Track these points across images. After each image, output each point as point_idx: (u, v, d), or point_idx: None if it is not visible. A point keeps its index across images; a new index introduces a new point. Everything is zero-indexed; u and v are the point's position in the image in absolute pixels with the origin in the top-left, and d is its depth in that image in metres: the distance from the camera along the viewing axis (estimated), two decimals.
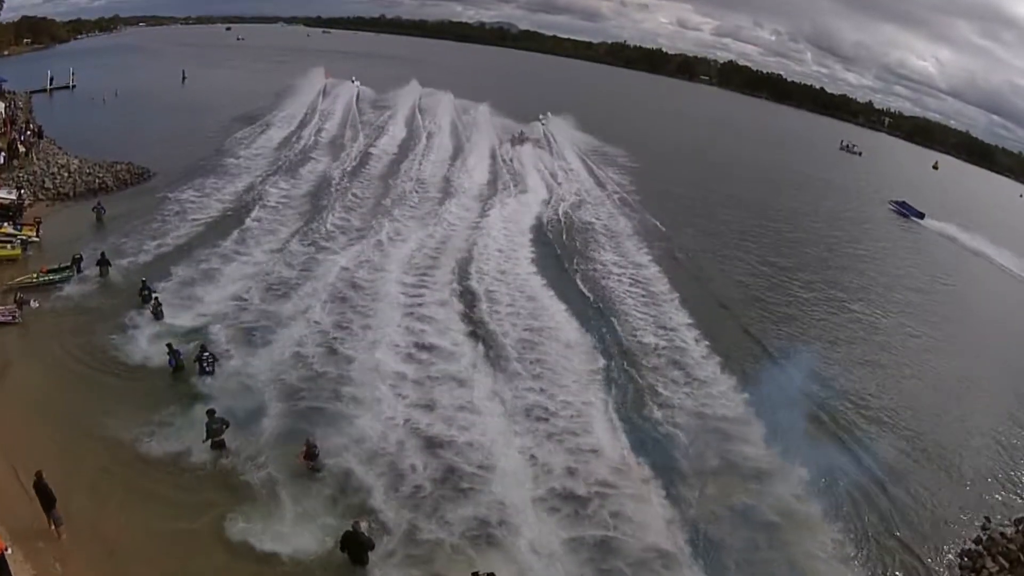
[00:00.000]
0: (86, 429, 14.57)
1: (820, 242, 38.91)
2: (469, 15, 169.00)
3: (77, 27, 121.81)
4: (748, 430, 17.14)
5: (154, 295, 19.62)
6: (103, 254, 22.35)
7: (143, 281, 20.25)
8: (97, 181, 32.82)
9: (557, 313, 22.25)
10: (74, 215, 28.46)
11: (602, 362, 19.32)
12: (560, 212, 35.05)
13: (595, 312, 23.05)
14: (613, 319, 22.58)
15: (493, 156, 45.57)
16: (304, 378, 16.84)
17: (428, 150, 44.85)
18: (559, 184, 40.63)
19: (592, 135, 57.13)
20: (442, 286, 23.19)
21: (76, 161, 35.30)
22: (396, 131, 50.14)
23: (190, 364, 16.79)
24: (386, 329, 19.32)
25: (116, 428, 14.59)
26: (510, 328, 20.69)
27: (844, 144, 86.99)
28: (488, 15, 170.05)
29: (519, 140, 49.72)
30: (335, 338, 18.79)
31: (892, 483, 16.61)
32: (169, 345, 16.86)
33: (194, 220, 26.73)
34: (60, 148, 39.00)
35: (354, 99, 59.96)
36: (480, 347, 19.35)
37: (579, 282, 25.77)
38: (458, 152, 45.86)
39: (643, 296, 24.90)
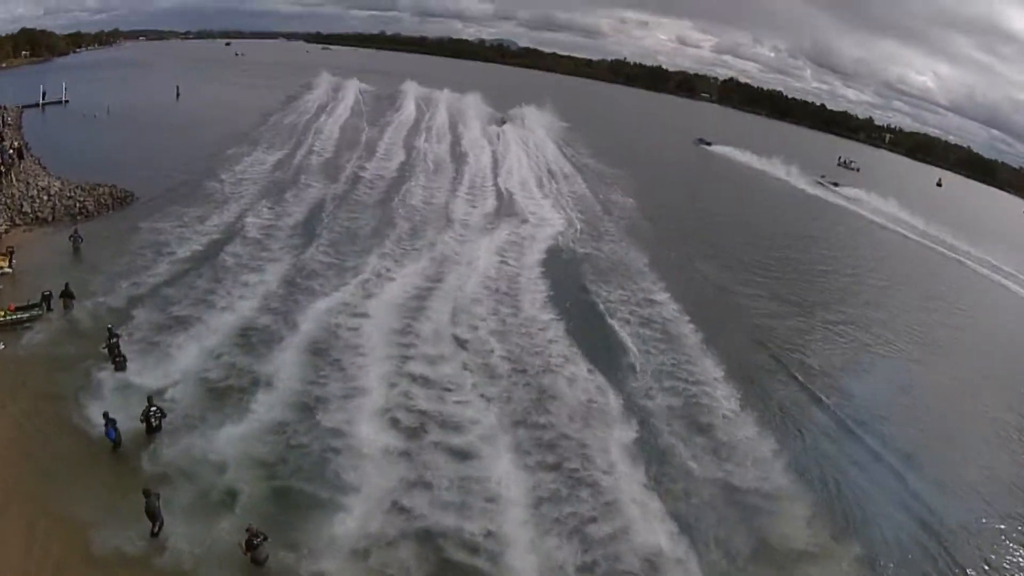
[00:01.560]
0: (31, 513, 12.62)
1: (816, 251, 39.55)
2: (469, 32, 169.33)
3: (76, 40, 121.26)
4: (793, 506, 15.27)
5: (118, 345, 17.56)
6: (67, 286, 20.60)
7: (109, 329, 18.15)
8: (78, 205, 31.06)
9: (570, 364, 20.11)
10: (51, 243, 26.63)
11: (625, 426, 17.13)
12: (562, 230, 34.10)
13: (611, 361, 20.92)
14: (631, 369, 20.49)
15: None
16: (279, 452, 14.64)
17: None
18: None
19: (598, 157, 56.23)
20: (437, 335, 20.84)
21: (57, 183, 33.59)
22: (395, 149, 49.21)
23: (134, 434, 14.73)
24: (375, 391, 17.07)
25: (65, 512, 12.64)
26: (517, 384, 18.59)
27: (842, 160, 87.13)
28: (488, 32, 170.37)
29: (500, 122, 64.20)
30: (316, 400, 16.51)
31: (947, 551, 15.01)
32: (106, 414, 14.58)
33: (172, 256, 24.58)
34: (44, 168, 37.45)
35: (358, 100, 66.45)
36: (483, 411, 17.06)
37: (588, 321, 23.75)
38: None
39: (661, 339, 22.89)
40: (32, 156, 40.13)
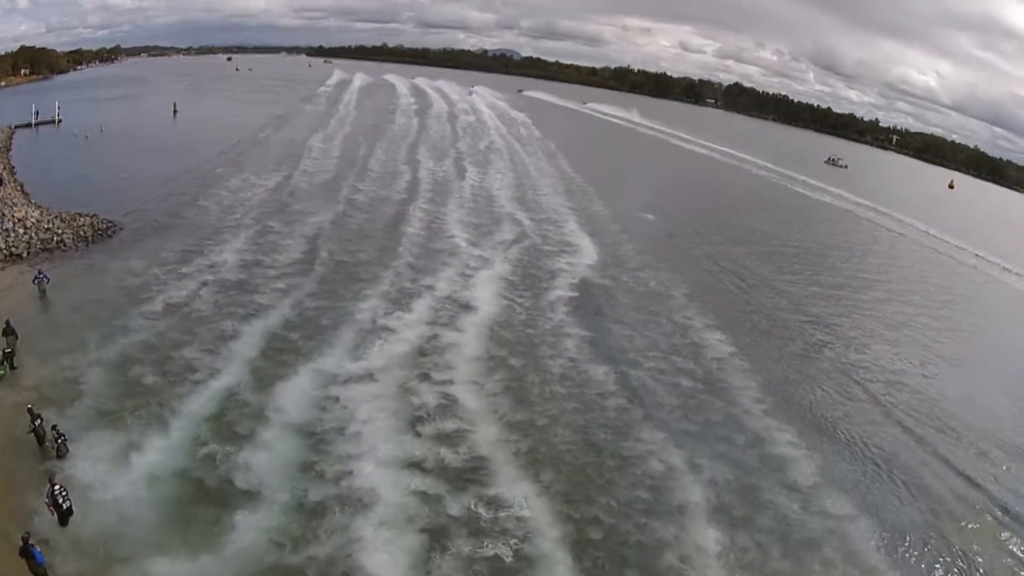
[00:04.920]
0: None
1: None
2: (472, 43, 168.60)
3: (77, 57, 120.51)
4: None
5: (45, 426, 14.50)
6: (8, 323, 18.21)
7: (30, 410, 14.70)
8: (55, 239, 28.50)
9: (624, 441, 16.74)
10: (18, 285, 23.69)
11: (702, 522, 13.87)
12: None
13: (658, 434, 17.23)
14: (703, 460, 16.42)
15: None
16: None
17: None
18: None
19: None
20: (448, 395, 17.57)
21: (36, 213, 31.19)
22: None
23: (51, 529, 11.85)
24: (383, 490, 13.63)
25: None
26: (557, 463, 15.36)
27: (830, 158, 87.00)
28: (491, 42, 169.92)
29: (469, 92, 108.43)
30: (311, 510, 12.95)
31: None
32: (25, 538, 11.08)
33: (148, 302, 21.48)
34: (26, 195, 35.19)
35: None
36: (523, 507, 13.49)
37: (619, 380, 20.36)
38: None
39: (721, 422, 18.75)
40: (16, 182, 38.06)
